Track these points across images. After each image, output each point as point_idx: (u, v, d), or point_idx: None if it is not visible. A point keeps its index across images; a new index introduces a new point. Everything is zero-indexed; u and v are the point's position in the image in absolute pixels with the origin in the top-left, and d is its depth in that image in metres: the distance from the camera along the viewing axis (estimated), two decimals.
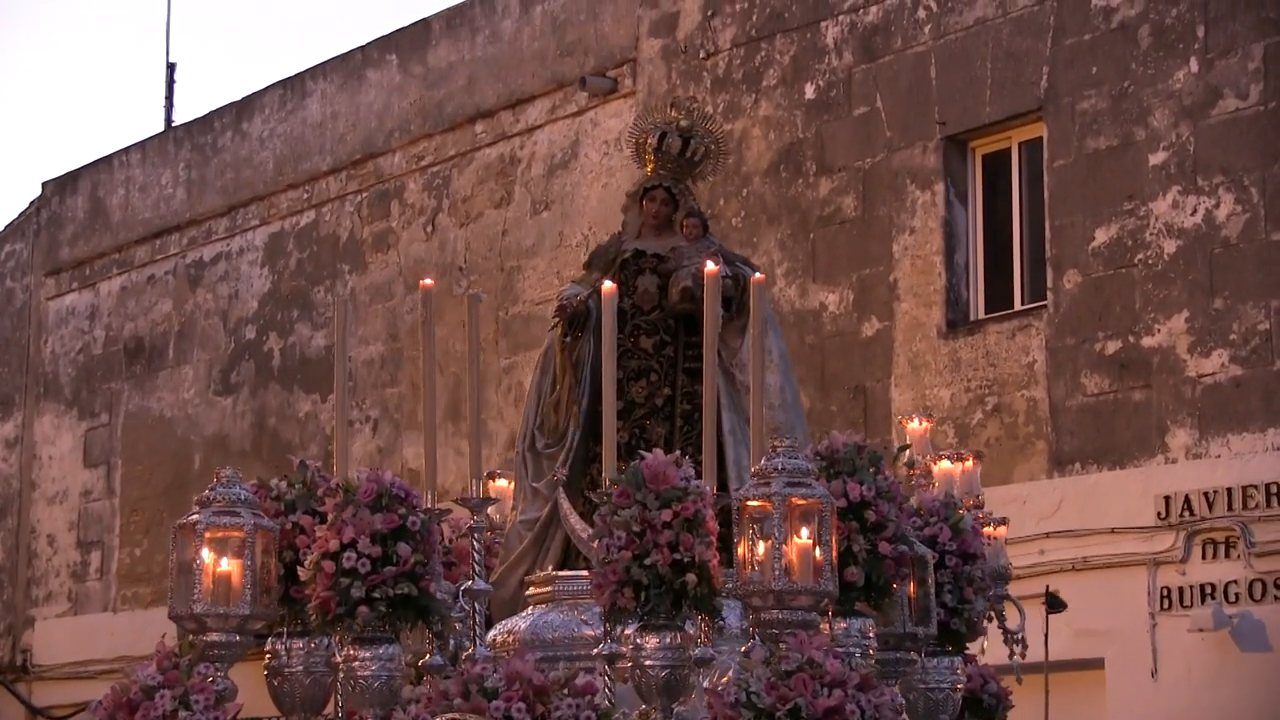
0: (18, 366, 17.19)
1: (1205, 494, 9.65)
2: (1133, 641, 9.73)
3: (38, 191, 17.36)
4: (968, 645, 5.88)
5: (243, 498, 5.18)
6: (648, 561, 4.93)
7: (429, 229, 13.76)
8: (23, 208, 17.56)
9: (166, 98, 18.04)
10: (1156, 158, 9.99)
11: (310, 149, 14.71)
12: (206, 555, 5.08)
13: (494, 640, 6.08)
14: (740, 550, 4.93)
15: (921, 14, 11.07)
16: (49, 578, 16.56)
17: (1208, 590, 9.63)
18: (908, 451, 6.32)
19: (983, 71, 10.76)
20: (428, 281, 5.80)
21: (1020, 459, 10.32)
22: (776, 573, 4.85)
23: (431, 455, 5.59)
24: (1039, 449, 10.30)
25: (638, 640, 5.00)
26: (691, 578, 4.93)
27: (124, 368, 16.14)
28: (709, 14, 12.16)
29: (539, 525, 6.48)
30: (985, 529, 6.63)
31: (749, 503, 4.93)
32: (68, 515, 16.47)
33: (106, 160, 16.65)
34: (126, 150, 16.48)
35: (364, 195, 14.25)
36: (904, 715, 5.51)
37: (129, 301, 16.22)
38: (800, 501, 4.91)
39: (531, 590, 6.23)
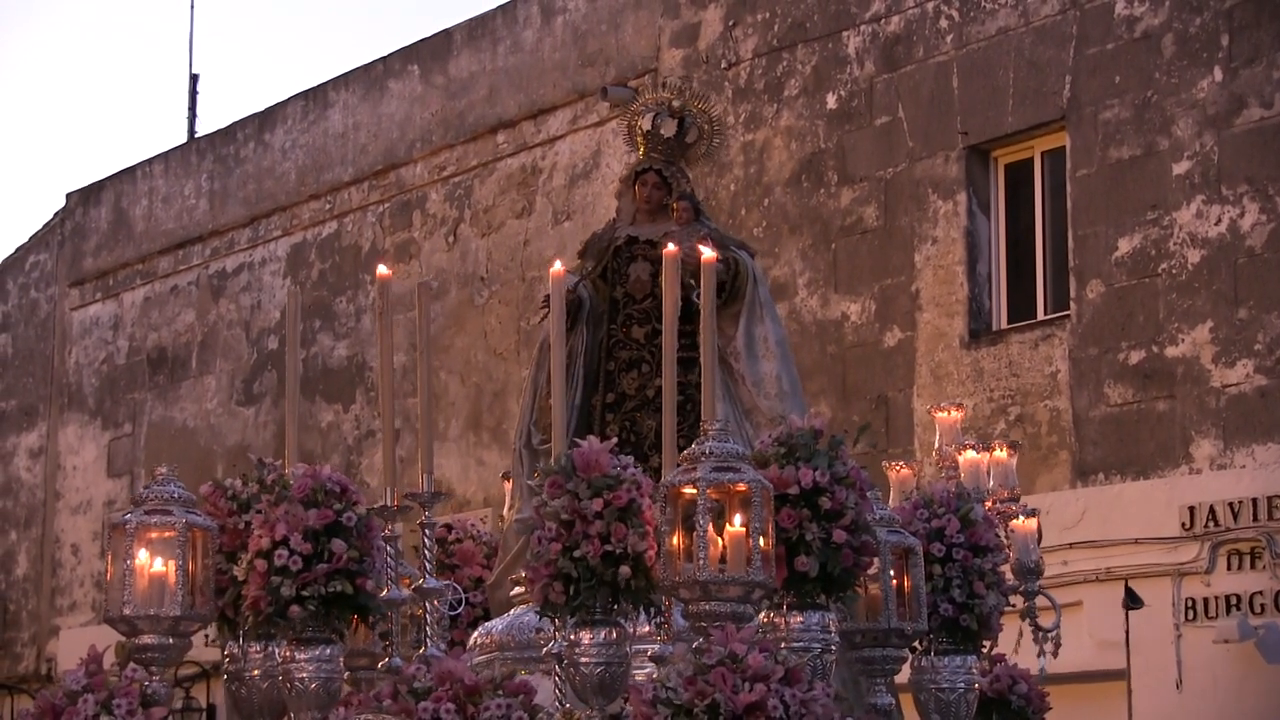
0: (42, 377, 17.25)
1: (1230, 504, 9.60)
2: (1157, 653, 9.68)
3: (62, 202, 17.42)
4: (985, 643, 5.66)
5: (177, 496, 4.98)
6: (577, 553, 4.67)
7: (451, 239, 13.77)
8: (47, 219, 17.63)
9: (189, 109, 18.11)
10: (1180, 167, 9.95)
11: (332, 159, 14.74)
12: (143, 556, 4.89)
13: (475, 641, 5.93)
14: (673, 540, 4.64)
15: (943, 23, 11.05)
16: (73, 587, 16.60)
17: (1233, 601, 9.58)
18: (866, 433, 5.96)
19: (1005, 81, 10.73)
20: (384, 270, 5.55)
21: (1043, 469, 10.28)
22: (702, 562, 4.56)
23: (391, 451, 5.38)
24: (1062, 459, 10.26)
25: (571, 636, 4.76)
26: (625, 570, 4.66)
27: (147, 378, 16.19)
28: (730, 24, 12.15)
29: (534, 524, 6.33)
30: (1014, 522, 6.48)
31: (683, 489, 4.64)
32: (91, 525, 16.51)
33: (130, 171, 16.70)
34: (150, 161, 16.53)
35: (386, 206, 14.27)
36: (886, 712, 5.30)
37: (152, 312, 16.27)
38: (729, 488, 4.60)
39: (516, 590, 6.05)
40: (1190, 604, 9.67)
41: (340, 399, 14.39)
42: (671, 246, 5.28)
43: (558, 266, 5.30)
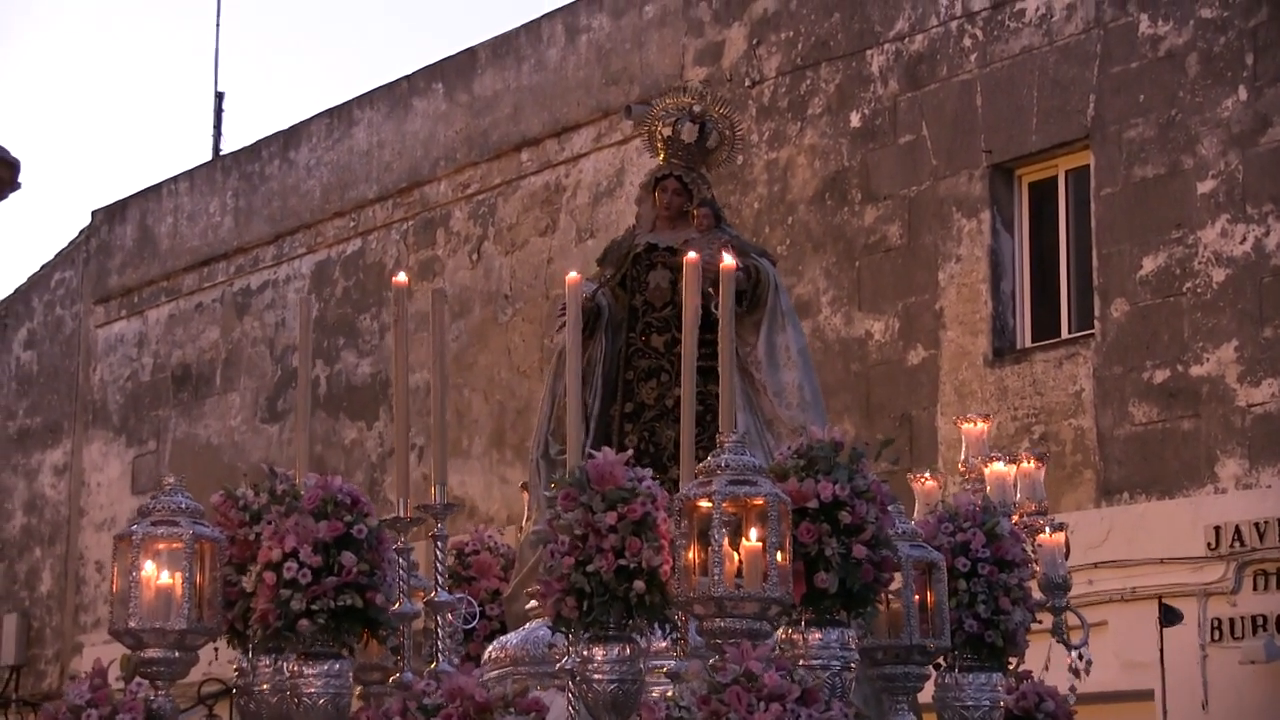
0: (67, 394, 17.31)
1: (1256, 524, 9.55)
2: (1183, 673, 9.63)
3: (87, 220, 17.50)
4: (1011, 659, 5.56)
5: (184, 506, 4.87)
6: (590, 568, 4.55)
7: (474, 257, 13.79)
8: (73, 236, 17.70)
9: (215, 127, 18.16)
10: (1205, 186, 9.93)
11: (356, 177, 14.78)
12: (149, 568, 4.80)
13: (489, 656, 5.84)
14: (688, 554, 4.52)
15: (967, 42, 11.05)
16: (97, 604, 16.63)
17: (1259, 622, 9.53)
18: (889, 449, 5.75)
19: (1029, 99, 10.73)
20: (401, 278, 5.45)
21: (1068, 488, 10.25)
22: (717, 578, 4.44)
23: (403, 459, 5.32)
24: (1086, 478, 10.23)
25: (584, 652, 4.63)
26: (639, 585, 4.55)
27: (172, 395, 16.23)
28: (754, 42, 12.17)
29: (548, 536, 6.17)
30: (1041, 536, 6.37)
31: (698, 503, 4.52)
32: None
33: (155, 189, 16.77)
34: (175, 179, 16.59)
35: (410, 223, 14.31)
36: None
37: (177, 329, 16.32)
38: (746, 501, 4.49)
39: (531, 604, 5.89)
40: (1216, 624, 9.63)
41: (364, 416, 14.41)
42: (692, 254, 5.16)
43: (573, 275, 5.22)
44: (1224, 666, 9.53)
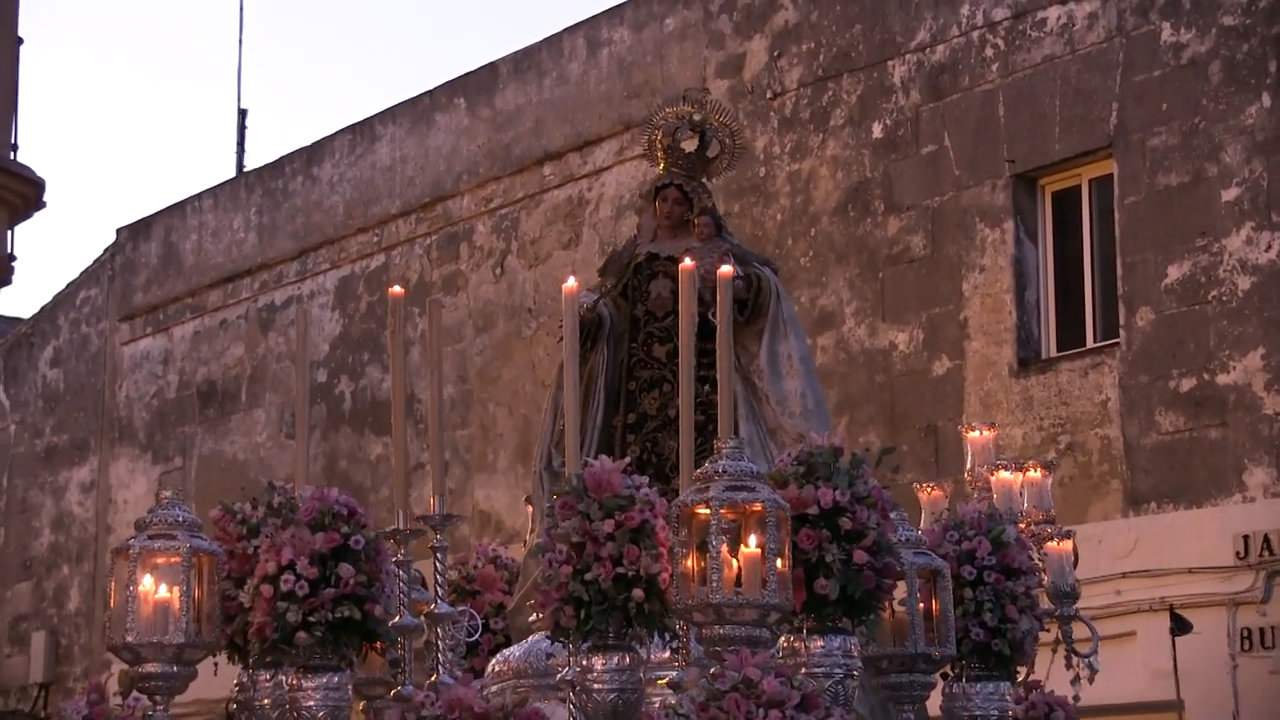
0: (93, 411, 17.38)
1: None
2: (1213, 683, 9.58)
3: (112, 238, 17.58)
4: (1019, 668, 5.51)
5: (181, 520, 4.82)
6: (588, 576, 4.53)
7: (498, 271, 13.81)
8: (98, 254, 17.78)
9: (238, 144, 18.24)
10: (1229, 194, 9.89)
11: (380, 193, 14.81)
12: (147, 582, 4.76)
13: (493, 668, 5.82)
14: (687, 562, 4.46)
15: (989, 52, 11.03)
16: None
17: None
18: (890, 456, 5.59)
19: (1051, 109, 10.70)
20: (397, 289, 5.42)
21: (1095, 498, 10.21)
22: (715, 585, 4.39)
23: (401, 469, 5.30)
24: (1113, 488, 10.19)
25: (584, 662, 4.59)
26: (638, 593, 4.52)
27: (197, 411, 16.28)
28: (775, 54, 12.16)
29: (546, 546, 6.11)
30: (1049, 544, 6.33)
31: (696, 509, 4.46)
32: None
33: (179, 206, 16.83)
34: (199, 196, 16.65)
35: (433, 238, 14.33)
36: None
37: (202, 346, 16.37)
38: (745, 508, 4.43)
39: (534, 616, 5.75)
40: (1246, 634, 9.58)
41: (389, 431, 14.42)
42: (688, 261, 5.13)
43: (570, 282, 5.16)
44: (1254, 677, 9.49)
